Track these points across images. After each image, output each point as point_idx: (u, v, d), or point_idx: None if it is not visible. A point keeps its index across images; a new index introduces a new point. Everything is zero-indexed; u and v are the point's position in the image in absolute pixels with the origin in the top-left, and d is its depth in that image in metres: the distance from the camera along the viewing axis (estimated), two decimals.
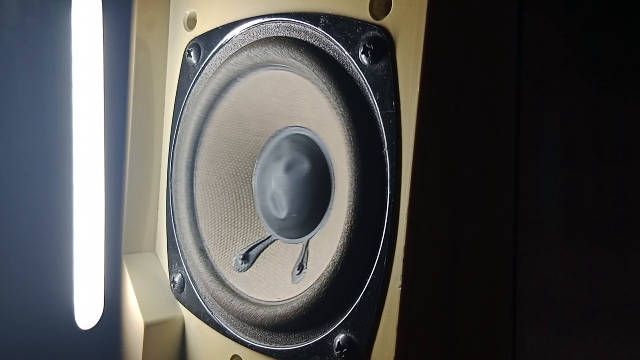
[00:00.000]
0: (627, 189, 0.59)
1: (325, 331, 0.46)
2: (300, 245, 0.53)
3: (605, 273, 0.58)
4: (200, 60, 0.59)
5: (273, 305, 0.50)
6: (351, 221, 0.43)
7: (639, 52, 0.58)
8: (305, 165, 0.52)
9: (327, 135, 0.50)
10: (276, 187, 0.54)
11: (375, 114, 0.43)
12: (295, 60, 0.48)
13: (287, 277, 0.52)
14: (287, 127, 0.55)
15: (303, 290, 0.48)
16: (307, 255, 0.52)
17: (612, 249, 0.59)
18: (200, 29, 0.60)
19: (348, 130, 0.44)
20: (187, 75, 0.61)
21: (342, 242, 0.44)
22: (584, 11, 0.57)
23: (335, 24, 0.46)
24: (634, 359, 0.57)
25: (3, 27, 0.60)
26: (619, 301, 0.58)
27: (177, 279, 0.61)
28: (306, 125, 0.53)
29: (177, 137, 0.61)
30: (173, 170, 0.61)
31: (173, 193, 0.60)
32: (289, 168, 0.53)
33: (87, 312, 0.63)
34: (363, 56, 0.44)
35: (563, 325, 0.57)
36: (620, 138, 0.59)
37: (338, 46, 0.46)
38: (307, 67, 0.47)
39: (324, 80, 0.45)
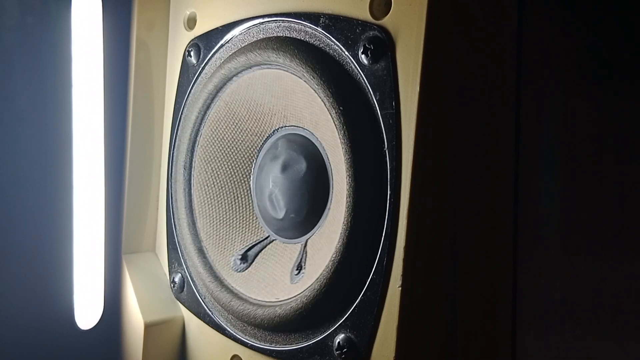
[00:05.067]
0: (628, 189, 0.59)
1: (325, 331, 0.46)
2: (299, 245, 0.53)
3: (606, 274, 0.58)
4: (200, 60, 0.59)
5: (272, 306, 0.50)
6: (349, 222, 0.43)
7: (639, 52, 0.58)
8: (302, 165, 0.52)
9: (323, 135, 0.50)
10: (274, 187, 0.54)
11: (376, 114, 0.43)
12: (291, 59, 0.48)
13: (286, 277, 0.52)
14: (282, 127, 0.55)
15: (302, 290, 0.48)
16: (306, 256, 0.52)
17: (612, 250, 0.59)
18: (200, 29, 0.60)
19: (344, 131, 0.44)
20: (187, 75, 0.61)
21: (340, 242, 0.44)
22: (584, 11, 0.57)
23: (335, 24, 0.46)
24: None
25: (3, 27, 0.60)
26: (619, 302, 0.58)
27: (177, 279, 0.61)
28: (302, 125, 0.53)
29: (177, 137, 0.61)
30: (173, 170, 0.61)
31: (173, 193, 0.60)
32: (285, 168, 0.53)
33: (87, 312, 0.63)
34: (363, 56, 0.44)
35: (563, 325, 0.57)
36: (621, 138, 0.59)
37: (338, 46, 0.46)
38: (307, 66, 0.47)
39: (323, 80, 0.45)
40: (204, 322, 0.58)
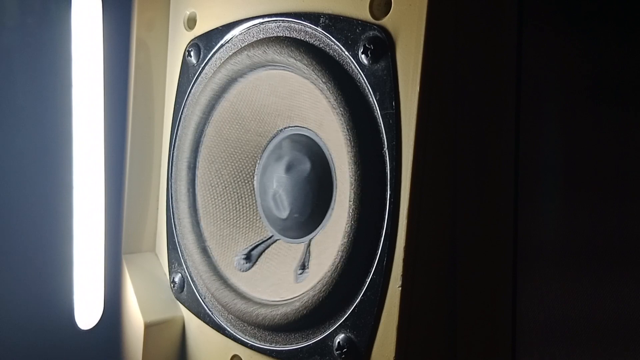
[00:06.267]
0: (628, 189, 0.59)
1: (325, 331, 0.46)
2: (302, 245, 0.53)
3: (606, 276, 0.58)
4: (200, 60, 0.59)
5: (275, 305, 0.50)
6: (352, 221, 0.43)
7: (638, 51, 0.58)
8: (306, 165, 0.52)
9: (327, 135, 0.51)
10: (278, 187, 0.54)
11: (375, 114, 0.43)
12: (295, 60, 0.48)
13: (290, 276, 0.52)
14: (287, 127, 0.55)
15: (305, 289, 0.48)
16: (310, 255, 0.52)
17: (612, 249, 0.59)
18: (200, 29, 0.60)
19: (348, 131, 0.44)
20: (187, 75, 0.61)
21: (343, 242, 0.44)
22: (584, 11, 0.57)
23: (335, 24, 0.46)
24: None
25: (3, 27, 0.60)
26: (619, 303, 0.58)
27: (177, 279, 0.61)
28: (306, 125, 0.53)
29: (177, 137, 0.61)
30: (173, 170, 0.61)
31: (173, 193, 0.60)
32: (290, 168, 0.53)
33: (87, 312, 0.63)
34: (363, 56, 0.44)
35: (563, 325, 0.57)
36: (620, 138, 0.59)
37: (338, 46, 0.46)
38: (307, 67, 0.47)
39: (323, 80, 0.45)
40: (204, 322, 0.58)
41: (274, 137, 0.56)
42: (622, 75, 0.58)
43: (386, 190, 0.43)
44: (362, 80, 0.44)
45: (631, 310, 0.58)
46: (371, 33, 0.43)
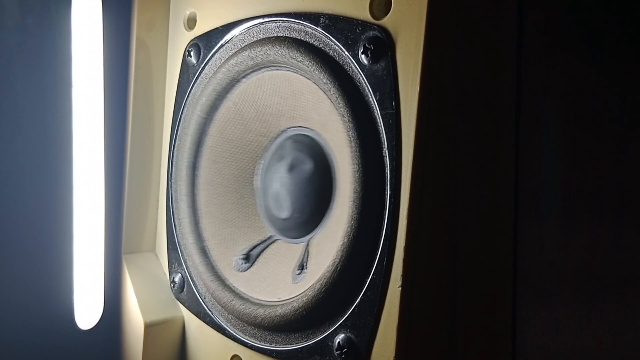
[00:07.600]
0: (628, 182, 0.59)
1: (325, 331, 0.46)
2: (301, 245, 0.53)
3: (608, 273, 0.58)
4: (200, 60, 0.59)
5: (273, 305, 0.50)
6: (352, 221, 0.43)
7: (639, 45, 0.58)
8: (308, 166, 0.52)
9: (329, 136, 0.51)
10: (279, 187, 0.54)
11: (375, 114, 0.43)
12: (296, 60, 0.48)
13: (288, 277, 0.52)
14: (290, 128, 0.55)
15: (303, 290, 0.48)
16: (308, 255, 0.52)
17: (613, 250, 0.59)
18: (200, 29, 0.60)
19: (349, 131, 0.44)
20: (187, 75, 0.61)
21: (343, 242, 0.44)
22: (583, 10, 0.57)
23: (335, 24, 0.46)
24: None
25: (3, 27, 0.60)
26: (618, 301, 0.58)
27: (177, 279, 0.61)
28: (309, 126, 0.53)
29: (177, 137, 0.61)
30: (173, 170, 0.61)
31: (173, 193, 0.60)
32: (292, 168, 0.53)
33: (87, 312, 0.63)
34: (363, 56, 0.44)
35: (563, 325, 0.57)
36: (620, 135, 0.59)
37: (338, 46, 0.46)
38: (308, 67, 0.47)
39: (324, 81, 0.45)
40: (204, 322, 0.58)
41: (276, 138, 0.56)
42: (622, 73, 0.58)
43: (386, 190, 0.43)
44: (362, 80, 0.44)
45: (631, 309, 0.58)
46: (371, 33, 0.43)
